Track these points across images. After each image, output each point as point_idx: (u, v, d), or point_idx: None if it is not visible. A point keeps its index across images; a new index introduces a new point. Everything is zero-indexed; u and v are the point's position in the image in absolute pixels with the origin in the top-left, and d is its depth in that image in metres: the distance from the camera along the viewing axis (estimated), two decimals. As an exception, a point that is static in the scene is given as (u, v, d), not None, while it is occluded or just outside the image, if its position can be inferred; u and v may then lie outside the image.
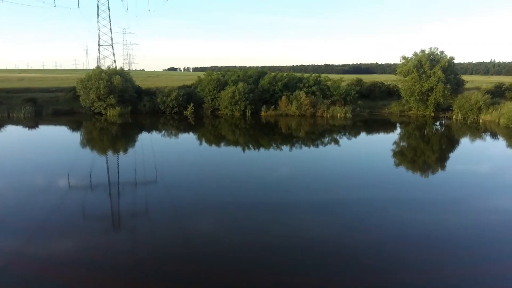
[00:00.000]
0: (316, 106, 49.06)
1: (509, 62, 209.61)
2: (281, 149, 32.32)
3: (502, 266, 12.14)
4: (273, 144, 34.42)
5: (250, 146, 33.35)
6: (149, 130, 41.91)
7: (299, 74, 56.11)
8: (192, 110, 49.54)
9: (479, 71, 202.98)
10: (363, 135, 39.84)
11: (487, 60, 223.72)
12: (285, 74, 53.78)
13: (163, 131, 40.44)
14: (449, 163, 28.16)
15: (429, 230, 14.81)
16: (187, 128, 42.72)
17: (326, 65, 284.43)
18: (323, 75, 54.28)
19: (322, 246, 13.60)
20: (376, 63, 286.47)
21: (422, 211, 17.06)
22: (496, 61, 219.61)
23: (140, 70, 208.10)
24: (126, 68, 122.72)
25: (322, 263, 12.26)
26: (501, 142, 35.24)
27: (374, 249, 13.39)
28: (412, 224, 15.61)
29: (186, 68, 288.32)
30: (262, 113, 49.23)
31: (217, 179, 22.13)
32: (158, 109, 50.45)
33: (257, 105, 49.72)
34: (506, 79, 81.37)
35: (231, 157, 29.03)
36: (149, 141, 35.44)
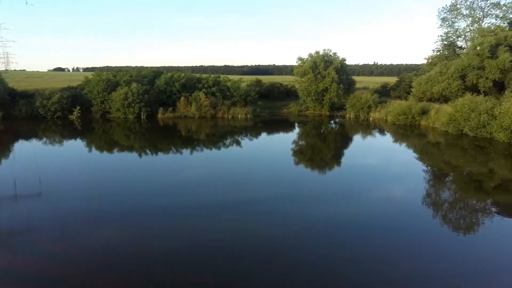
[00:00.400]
0: (216, 107, 47.55)
1: (389, 64, 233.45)
2: (181, 153, 30.24)
3: (398, 251, 13.27)
4: (173, 148, 31.95)
5: (147, 151, 30.47)
6: (26, 137, 36.10)
7: (197, 75, 54.03)
8: (79, 114, 44.38)
9: (364, 72, 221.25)
10: (264, 135, 39.37)
11: (371, 63, 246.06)
12: (183, 74, 51.28)
13: (45, 139, 35.12)
14: (344, 159, 29.17)
15: (331, 221, 15.67)
16: (73, 134, 37.85)
17: (226, 66, 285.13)
18: (222, 76, 53.00)
19: (227, 246, 13.24)
20: (274, 64, 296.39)
21: (322, 204, 17.76)
22: (379, 63, 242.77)
23: (21, 70, 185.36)
24: (2, 68, 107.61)
25: (228, 263, 12.06)
26: (388, 138, 37.52)
27: (279, 244, 13.44)
28: (315, 217, 15.99)
29: (75, 68, 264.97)
30: (159, 116, 46.14)
31: (111, 187, 19.90)
32: (38, 114, 44.24)
33: (153, 107, 46.44)
34: (388, 79, 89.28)
35: (126, 163, 26.11)
36: (29, 150, 30.44)
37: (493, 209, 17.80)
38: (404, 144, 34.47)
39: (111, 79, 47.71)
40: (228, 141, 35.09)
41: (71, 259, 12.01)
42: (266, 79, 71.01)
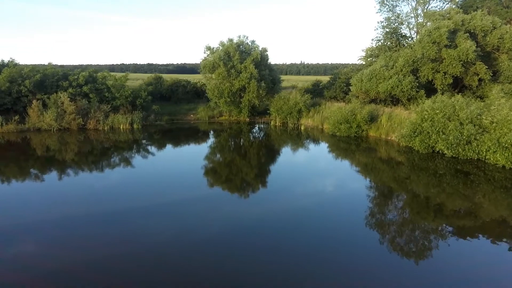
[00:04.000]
0: (88, 115, 33.11)
1: (315, 64, 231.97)
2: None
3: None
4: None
5: None
6: None
7: (68, 70, 38.75)
8: None
9: (292, 71, 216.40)
10: (161, 152, 25.78)
11: (298, 62, 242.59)
12: (41, 69, 35.82)
13: None
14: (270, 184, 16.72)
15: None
16: None
17: (149, 64, 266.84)
18: (103, 72, 38.34)
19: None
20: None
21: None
22: (305, 62, 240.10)
23: None
24: None
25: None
26: (326, 156, 26.06)
27: None
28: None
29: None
30: (-4, 130, 30.72)
31: None
32: None
33: (-17, 116, 30.80)
34: (319, 78, 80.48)
35: None
36: None
37: None
38: (350, 168, 23.20)
39: None
40: (112, 161, 21.47)
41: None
42: (182, 77, 57.32)
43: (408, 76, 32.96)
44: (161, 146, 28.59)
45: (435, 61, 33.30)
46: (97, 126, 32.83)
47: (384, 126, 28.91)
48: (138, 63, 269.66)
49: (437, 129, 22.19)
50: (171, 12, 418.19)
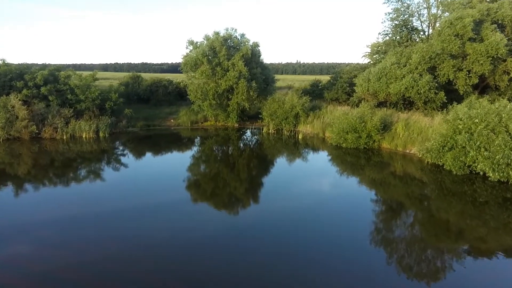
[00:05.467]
0: (44, 121, 27.70)
1: (312, 63, 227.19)
2: None
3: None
4: None
5: None
6: None
7: (16, 67, 32.92)
8: None
9: (288, 71, 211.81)
10: (124, 171, 20.30)
11: (294, 61, 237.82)
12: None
13: None
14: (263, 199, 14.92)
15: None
16: None
17: (143, 64, 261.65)
18: (66, 70, 32.80)
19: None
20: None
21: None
22: (301, 62, 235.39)
23: None
24: None
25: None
26: (332, 179, 20.74)
27: None
28: None
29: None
30: None
31: None
32: None
33: None
34: (312, 78, 75.40)
35: None
36: None
37: None
38: (361, 192, 17.89)
39: None
40: (79, 174, 16.44)
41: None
42: (161, 76, 52.08)
43: (426, 75, 27.80)
44: (127, 162, 23.15)
45: (457, 57, 28.18)
46: (54, 134, 27.36)
47: (401, 136, 23.66)
48: (132, 63, 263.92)
49: (477, 144, 16.94)
50: (167, 10, 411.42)
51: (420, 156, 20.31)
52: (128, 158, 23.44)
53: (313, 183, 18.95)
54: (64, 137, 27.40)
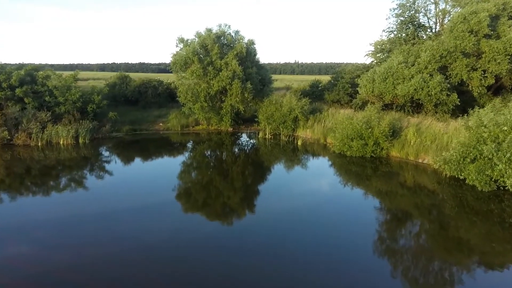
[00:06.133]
0: (18, 126, 25.17)
1: (310, 63, 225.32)
2: None
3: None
4: None
5: None
6: None
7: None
8: None
9: (286, 71, 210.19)
10: (109, 179, 17.77)
11: (292, 61, 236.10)
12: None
13: None
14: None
15: None
16: None
17: (141, 63, 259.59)
18: (46, 70, 30.25)
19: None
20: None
21: None
22: (300, 61, 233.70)
23: None
24: None
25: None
26: (344, 202, 18.27)
27: None
28: None
29: None
30: None
31: None
32: None
33: None
34: (311, 78, 73.10)
35: None
36: None
37: None
38: (369, 210, 15.38)
39: None
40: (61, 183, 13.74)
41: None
42: (151, 77, 49.58)
43: (437, 75, 25.39)
44: (108, 172, 20.58)
45: (470, 55, 25.77)
46: (28, 141, 24.80)
47: (412, 143, 21.19)
48: (130, 62, 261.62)
49: (507, 156, 14.49)
50: (163, 9, 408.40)
51: (437, 167, 17.84)
52: (107, 168, 20.88)
53: (315, 201, 16.45)
54: (39, 144, 24.83)
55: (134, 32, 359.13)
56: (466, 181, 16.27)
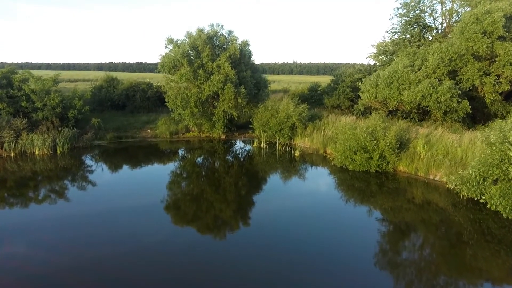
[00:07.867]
0: (-11, 135, 23.01)
1: (308, 63, 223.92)
2: None
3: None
4: None
5: None
6: None
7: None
8: None
9: (284, 71, 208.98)
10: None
11: (291, 61, 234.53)
12: None
13: None
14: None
15: None
16: None
17: (138, 63, 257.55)
18: (23, 72, 28.09)
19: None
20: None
21: None
22: (298, 62, 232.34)
23: None
24: None
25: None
26: (347, 228, 16.21)
27: None
28: None
29: None
30: None
31: None
32: None
33: None
34: (309, 79, 71.36)
35: None
36: None
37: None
38: (375, 238, 13.32)
39: None
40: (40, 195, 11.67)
41: None
42: (140, 78, 47.46)
43: (446, 80, 23.39)
44: (82, 187, 18.43)
45: (482, 59, 23.77)
46: (0, 151, 22.63)
47: (422, 157, 19.11)
48: (127, 62, 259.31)
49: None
50: (163, 9, 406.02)
51: (452, 187, 15.77)
52: (82, 183, 18.72)
53: (312, 224, 14.34)
54: (12, 154, 22.66)
55: (132, 32, 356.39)
56: (488, 205, 14.18)
